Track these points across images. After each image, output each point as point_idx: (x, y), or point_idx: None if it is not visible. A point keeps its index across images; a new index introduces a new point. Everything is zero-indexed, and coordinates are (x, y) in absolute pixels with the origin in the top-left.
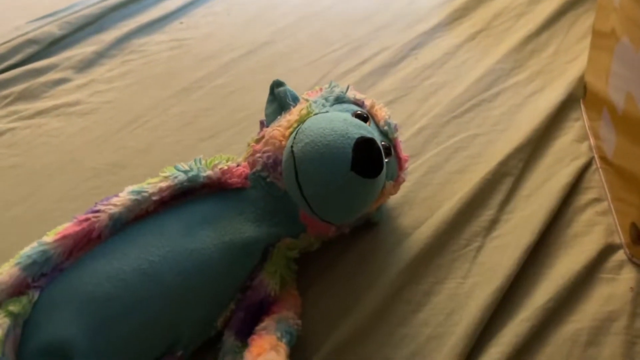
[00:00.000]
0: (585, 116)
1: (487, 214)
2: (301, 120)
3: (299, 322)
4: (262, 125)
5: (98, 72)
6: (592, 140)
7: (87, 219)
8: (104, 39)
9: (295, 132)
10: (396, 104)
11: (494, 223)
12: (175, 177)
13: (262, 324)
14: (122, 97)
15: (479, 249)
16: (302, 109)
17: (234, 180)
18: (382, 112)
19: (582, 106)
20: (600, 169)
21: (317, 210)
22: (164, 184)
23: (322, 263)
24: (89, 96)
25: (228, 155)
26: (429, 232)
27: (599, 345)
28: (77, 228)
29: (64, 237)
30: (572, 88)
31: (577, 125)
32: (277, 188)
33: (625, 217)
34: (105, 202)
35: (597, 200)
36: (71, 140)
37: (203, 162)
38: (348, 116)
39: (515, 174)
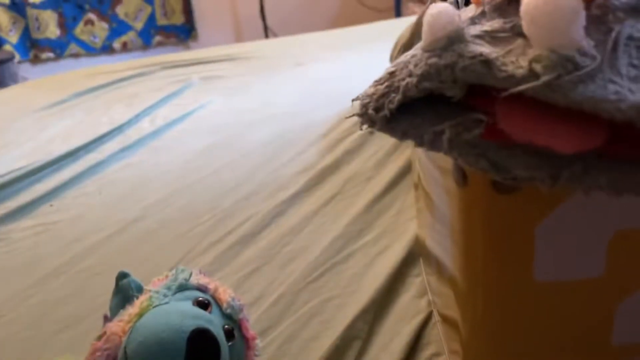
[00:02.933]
0: (423, 270)
1: None
2: (141, 314)
3: None
4: (106, 319)
5: None
6: (430, 295)
7: None
8: None
9: (130, 330)
10: (257, 273)
11: None
12: None
13: None
14: None
15: None
16: (142, 302)
17: None
18: (226, 295)
19: (421, 261)
20: (438, 323)
21: None
22: None
23: None
24: None
25: (69, 356)
26: None
27: None
28: None
29: None
30: (411, 245)
31: (417, 281)
32: None
33: None
34: None
35: (435, 355)
36: None
37: None
38: (187, 307)
39: (362, 337)
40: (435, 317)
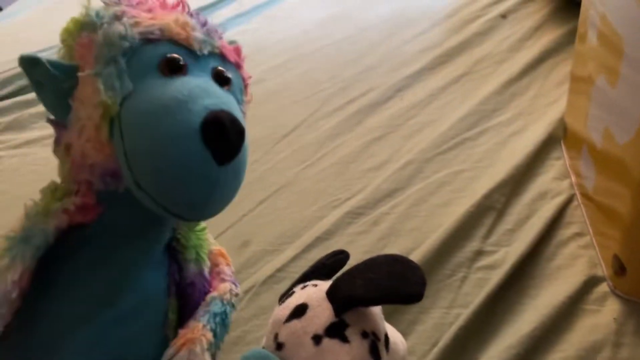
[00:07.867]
0: (565, 155)
1: (471, 245)
2: None
3: (236, 288)
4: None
5: None
6: (573, 178)
7: None
8: None
9: None
10: (382, 140)
11: (478, 254)
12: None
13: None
14: None
15: (464, 279)
16: None
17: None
18: None
19: (562, 146)
20: (581, 205)
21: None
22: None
23: None
24: None
25: None
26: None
27: None
28: None
29: None
30: (552, 129)
31: (558, 163)
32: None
33: (607, 251)
34: None
35: (579, 234)
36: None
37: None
38: None
39: (498, 208)
40: (579, 200)
